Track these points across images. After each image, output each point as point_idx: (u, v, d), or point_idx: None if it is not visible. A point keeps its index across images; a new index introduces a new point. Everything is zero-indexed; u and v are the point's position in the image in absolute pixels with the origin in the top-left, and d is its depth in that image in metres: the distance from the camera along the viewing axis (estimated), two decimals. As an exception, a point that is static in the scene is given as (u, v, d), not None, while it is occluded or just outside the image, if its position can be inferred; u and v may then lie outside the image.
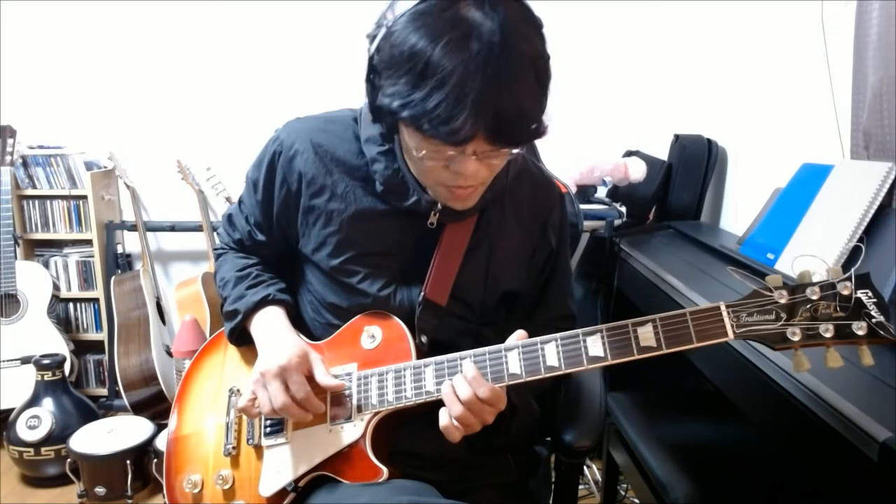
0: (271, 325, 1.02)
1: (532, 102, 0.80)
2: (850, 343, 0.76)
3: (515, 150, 0.84)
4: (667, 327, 0.81)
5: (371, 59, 0.82)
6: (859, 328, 0.75)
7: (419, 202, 0.96)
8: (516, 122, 0.78)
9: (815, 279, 0.78)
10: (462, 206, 0.95)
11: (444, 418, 0.87)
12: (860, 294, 0.75)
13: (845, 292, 0.75)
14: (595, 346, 0.84)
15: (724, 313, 0.79)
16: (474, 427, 0.87)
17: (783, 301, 0.78)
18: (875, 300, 0.75)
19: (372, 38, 0.83)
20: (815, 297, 0.77)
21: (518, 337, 0.89)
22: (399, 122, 0.84)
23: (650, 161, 2.40)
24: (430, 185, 0.92)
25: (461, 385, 0.86)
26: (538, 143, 2.10)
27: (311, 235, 1.02)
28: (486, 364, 0.89)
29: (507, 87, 0.76)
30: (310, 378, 0.95)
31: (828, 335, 0.76)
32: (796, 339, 0.77)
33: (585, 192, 2.32)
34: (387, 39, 0.79)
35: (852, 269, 0.76)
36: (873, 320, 0.74)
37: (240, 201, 1.13)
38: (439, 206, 0.96)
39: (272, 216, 1.06)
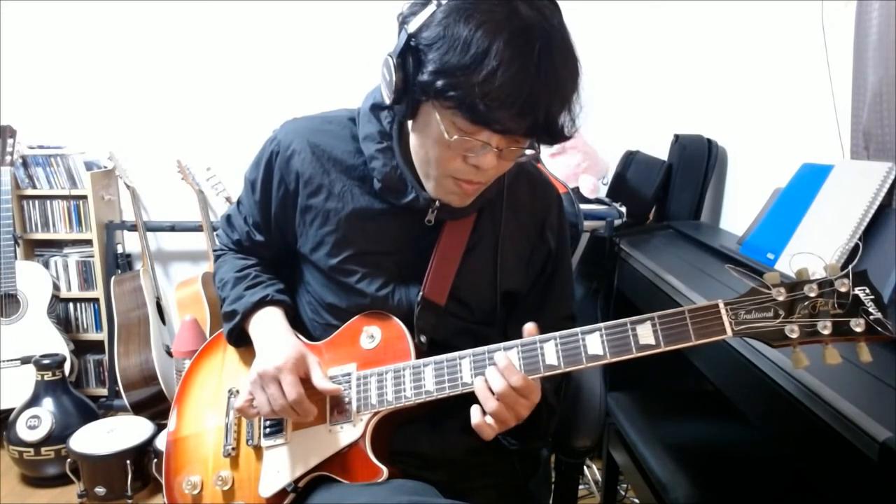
0: (269, 326, 1.02)
1: (573, 103, 0.83)
2: (848, 340, 0.76)
3: (530, 151, 0.86)
4: (665, 325, 0.81)
5: (411, 36, 0.81)
6: (857, 325, 0.75)
7: (417, 199, 0.96)
8: (559, 121, 0.81)
9: (813, 276, 0.78)
10: (461, 204, 0.95)
11: (477, 415, 0.85)
12: (858, 291, 0.75)
13: (843, 289, 0.75)
14: (594, 344, 0.84)
15: (723, 311, 0.79)
16: (509, 423, 0.86)
17: (781, 298, 0.78)
18: (873, 297, 0.75)
19: (408, 16, 0.83)
20: (813, 295, 0.77)
21: (528, 331, 0.88)
22: (426, 106, 0.84)
23: (650, 161, 2.40)
24: (437, 175, 0.91)
25: (494, 377, 0.84)
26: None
27: (308, 235, 1.02)
28: (486, 363, 0.88)
29: (559, 87, 0.79)
30: (306, 380, 0.95)
31: (826, 332, 0.76)
32: (795, 336, 0.77)
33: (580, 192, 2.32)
34: (438, 17, 0.79)
35: (850, 267, 0.76)
36: (871, 317, 0.74)
37: (238, 202, 1.13)
38: (437, 203, 0.96)
39: (270, 216, 1.06)
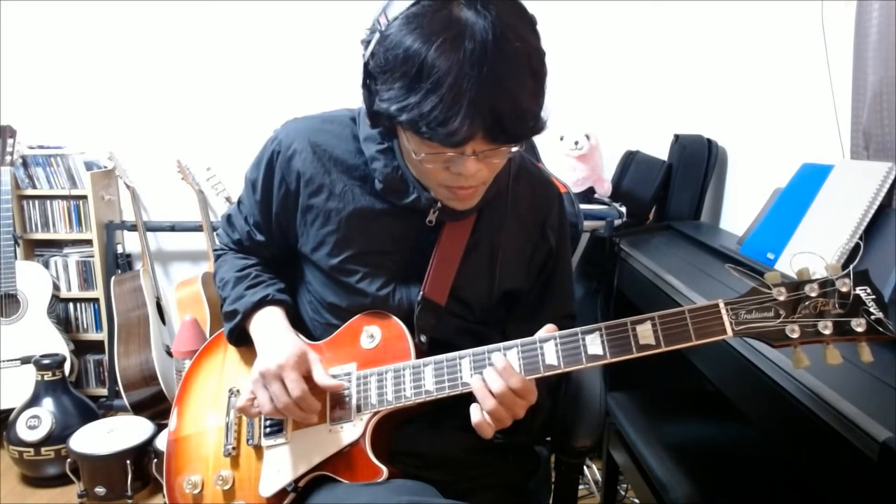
0: (270, 326, 1.02)
1: (529, 98, 0.79)
2: (849, 340, 0.76)
3: (515, 148, 0.84)
4: (665, 325, 0.81)
5: (366, 64, 0.83)
6: (858, 325, 0.75)
7: (419, 199, 0.96)
8: (514, 119, 0.78)
9: (813, 276, 0.78)
10: (463, 207, 0.95)
11: (476, 414, 0.85)
12: (859, 291, 0.75)
13: (844, 289, 0.75)
14: (594, 344, 0.84)
15: (723, 311, 0.79)
16: (505, 422, 0.86)
17: (782, 298, 0.77)
18: (874, 297, 0.75)
19: (366, 43, 0.83)
20: (813, 294, 0.77)
21: (548, 331, 0.87)
22: (397, 126, 0.84)
23: (650, 161, 2.40)
24: (431, 186, 0.93)
25: (493, 378, 0.84)
26: (538, 143, 2.14)
27: (309, 235, 1.02)
28: (486, 363, 0.88)
29: (502, 84, 0.76)
30: (308, 378, 0.95)
31: (827, 332, 0.76)
32: (795, 336, 0.77)
33: (585, 192, 2.32)
34: (381, 44, 0.79)
35: (851, 266, 0.76)
36: (872, 317, 0.74)
37: (239, 202, 1.13)
38: (439, 203, 0.96)
39: (271, 216, 1.06)
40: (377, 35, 0.80)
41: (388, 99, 0.79)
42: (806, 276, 0.78)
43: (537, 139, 2.03)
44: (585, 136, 2.26)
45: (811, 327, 0.76)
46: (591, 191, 2.33)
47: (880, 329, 0.74)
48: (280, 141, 1.03)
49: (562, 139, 2.27)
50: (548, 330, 0.88)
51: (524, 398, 0.85)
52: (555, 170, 2.25)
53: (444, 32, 0.75)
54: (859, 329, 0.75)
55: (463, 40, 0.74)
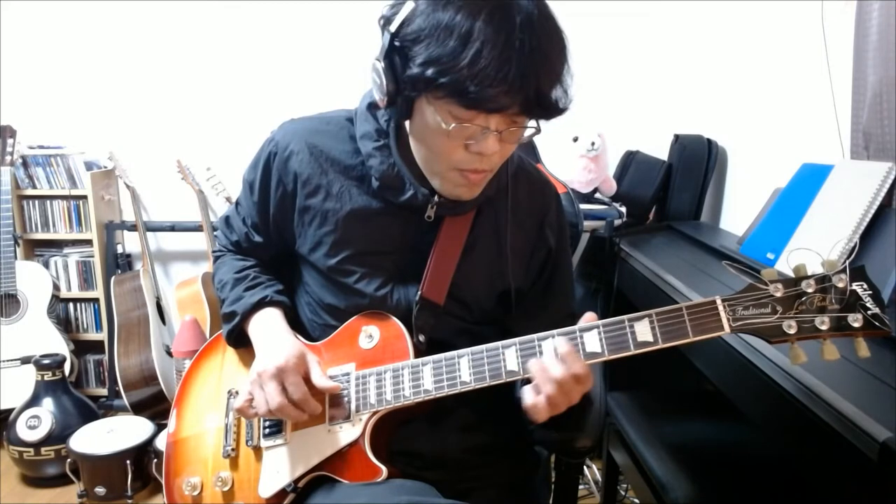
0: (269, 327, 1.02)
1: (563, 75, 0.83)
2: (846, 335, 0.76)
3: (531, 130, 0.86)
4: (663, 322, 0.81)
5: (394, 35, 0.82)
6: (855, 320, 0.75)
7: (415, 196, 0.96)
8: (551, 94, 0.81)
9: (810, 273, 0.78)
10: (470, 196, 0.95)
11: (531, 397, 0.84)
12: (855, 286, 0.75)
13: (840, 285, 0.75)
14: (592, 342, 0.84)
15: (720, 307, 0.79)
16: (561, 407, 0.84)
17: (779, 294, 0.78)
18: (870, 292, 0.75)
19: (389, 17, 0.83)
20: (810, 290, 0.77)
21: (587, 318, 0.87)
22: (421, 101, 0.84)
23: (650, 161, 2.40)
24: (443, 169, 0.91)
25: (553, 363, 0.83)
26: (548, 144, 2.15)
27: (307, 236, 1.02)
28: (484, 362, 0.88)
29: (546, 59, 0.80)
30: (306, 379, 0.95)
31: (824, 328, 0.76)
32: (792, 332, 0.77)
33: (585, 192, 2.32)
34: (416, 12, 0.80)
35: (847, 262, 0.76)
36: (869, 312, 0.74)
37: (237, 203, 1.13)
38: (436, 198, 0.96)
39: (269, 217, 1.06)
40: (410, 5, 0.81)
41: (427, 63, 0.79)
42: (803, 273, 0.78)
43: (547, 141, 2.05)
44: (598, 136, 2.27)
45: (808, 323, 0.76)
46: (593, 190, 2.33)
47: (877, 324, 0.74)
48: (277, 142, 1.03)
49: (576, 140, 2.26)
50: (587, 319, 0.86)
51: (582, 384, 0.84)
52: (568, 171, 2.27)
53: (487, 2, 0.78)
54: (856, 324, 0.75)
55: (512, 11, 0.78)
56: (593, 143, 2.25)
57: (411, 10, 0.80)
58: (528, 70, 0.78)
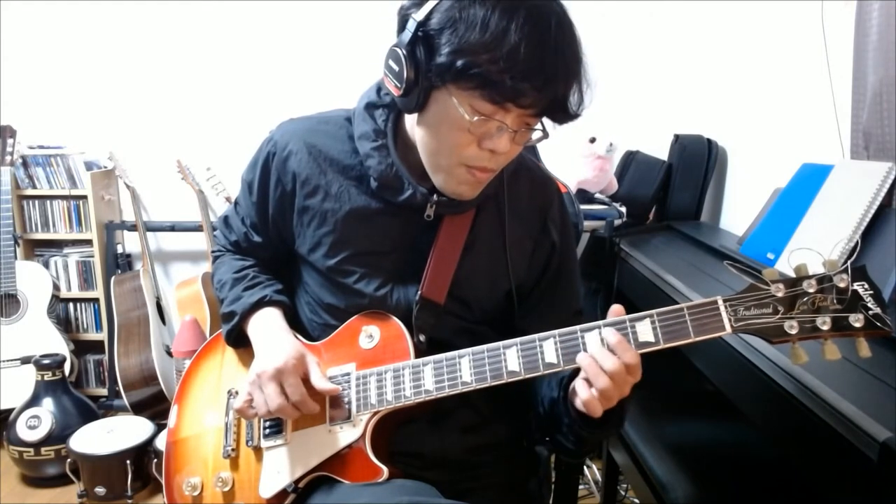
0: (268, 327, 1.02)
1: (582, 83, 0.85)
2: (847, 335, 0.76)
3: (538, 134, 0.88)
4: (664, 322, 0.81)
5: (420, 24, 0.81)
6: (856, 320, 0.75)
7: (414, 195, 0.95)
8: (571, 98, 0.84)
9: (811, 273, 0.78)
10: (471, 194, 0.95)
11: (585, 392, 0.83)
12: (857, 286, 0.75)
13: (842, 285, 0.75)
14: (594, 342, 0.84)
15: (722, 307, 0.79)
16: (613, 400, 0.83)
17: (780, 294, 0.78)
18: (871, 292, 0.75)
19: (412, 7, 0.83)
20: (811, 290, 0.77)
21: (615, 312, 0.86)
22: (440, 92, 0.84)
23: (650, 161, 2.40)
24: (450, 165, 0.90)
25: (604, 355, 0.82)
26: (562, 143, 2.16)
27: (306, 236, 1.02)
28: (485, 362, 0.88)
29: (572, 64, 0.82)
30: (306, 380, 0.95)
31: (825, 328, 0.76)
32: (794, 332, 0.77)
33: (585, 192, 2.33)
34: (445, 3, 0.80)
35: (848, 262, 0.76)
36: (870, 312, 0.74)
37: (235, 203, 1.13)
38: (435, 197, 0.96)
39: (268, 217, 1.06)
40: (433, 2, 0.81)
41: (460, 51, 0.79)
42: (804, 273, 0.78)
43: (562, 140, 2.07)
44: (613, 137, 2.30)
45: (809, 323, 0.76)
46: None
47: (878, 324, 0.74)
48: (275, 142, 1.03)
49: (593, 141, 2.27)
50: (615, 312, 0.85)
51: (634, 375, 0.83)
52: (581, 171, 2.27)
53: (523, 2, 0.79)
54: (857, 324, 0.75)
55: (548, 13, 0.80)
56: (611, 144, 2.27)
57: (439, 1, 0.81)
58: (558, 72, 0.80)
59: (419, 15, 0.82)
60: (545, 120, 0.88)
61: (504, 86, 0.79)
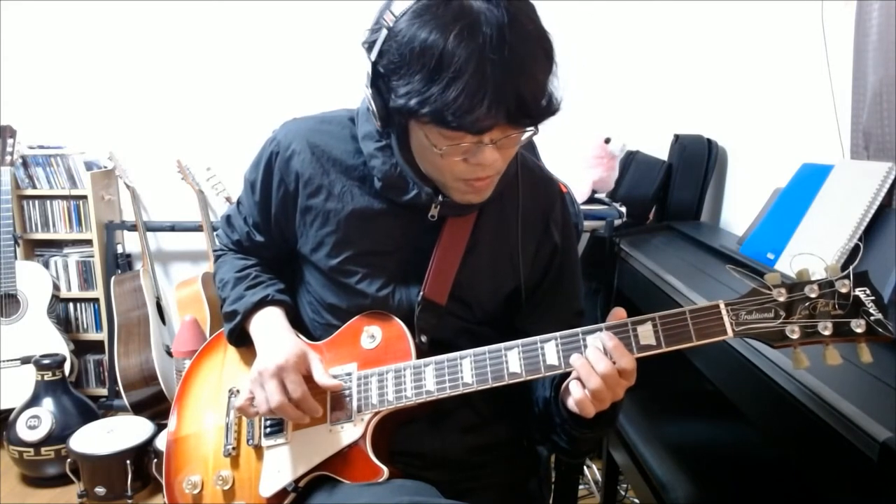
0: (270, 326, 1.02)
1: (546, 79, 0.81)
2: (848, 341, 0.76)
3: (527, 134, 0.85)
4: (666, 326, 0.81)
5: (374, 64, 0.82)
6: (858, 326, 0.75)
7: (419, 195, 0.95)
8: (535, 101, 0.80)
9: (813, 277, 0.78)
10: (480, 199, 0.95)
11: (578, 392, 0.83)
12: (858, 292, 0.75)
13: (844, 290, 0.76)
14: (594, 344, 0.84)
15: (724, 311, 0.79)
16: (605, 403, 0.84)
17: (782, 299, 0.78)
18: (873, 298, 0.75)
19: (370, 43, 0.83)
20: (813, 295, 0.77)
21: (616, 315, 0.86)
22: (413, 123, 0.85)
23: (650, 161, 2.40)
24: (448, 181, 0.91)
25: (597, 357, 0.82)
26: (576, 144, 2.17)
27: (308, 236, 1.02)
28: (486, 363, 0.88)
29: (522, 67, 0.77)
30: (308, 378, 0.95)
31: (826, 333, 0.76)
32: (795, 336, 0.77)
33: (592, 192, 2.32)
34: (391, 40, 0.79)
35: (850, 267, 0.76)
36: (872, 318, 0.75)
37: (238, 202, 1.13)
38: (440, 198, 0.96)
39: (270, 217, 1.06)
40: (384, 32, 0.80)
41: (407, 94, 0.78)
42: (806, 277, 0.78)
43: (575, 140, 2.14)
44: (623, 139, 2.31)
45: (811, 328, 0.77)
46: (593, 190, 2.33)
47: (879, 330, 0.74)
48: (278, 142, 1.03)
49: (608, 142, 2.26)
50: (616, 316, 0.86)
51: (628, 379, 0.83)
52: (597, 172, 2.26)
53: (459, 21, 0.76)
54: (859, 330, 0.75)
55: (480, 27, 0.76)
56: (624, 145, 2.28)
57: (386, 37, 0.80)
58: (505, 85, 0.76)
59: (373, 55, 0.82)
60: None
61: (450, 121, 0.77)
